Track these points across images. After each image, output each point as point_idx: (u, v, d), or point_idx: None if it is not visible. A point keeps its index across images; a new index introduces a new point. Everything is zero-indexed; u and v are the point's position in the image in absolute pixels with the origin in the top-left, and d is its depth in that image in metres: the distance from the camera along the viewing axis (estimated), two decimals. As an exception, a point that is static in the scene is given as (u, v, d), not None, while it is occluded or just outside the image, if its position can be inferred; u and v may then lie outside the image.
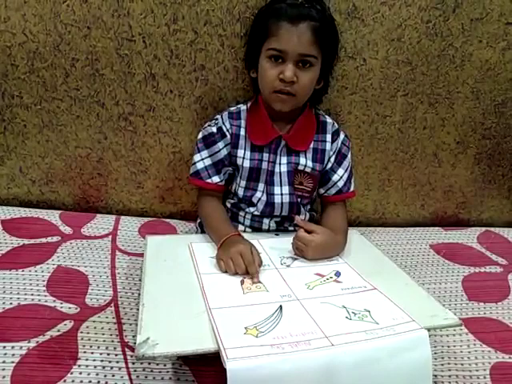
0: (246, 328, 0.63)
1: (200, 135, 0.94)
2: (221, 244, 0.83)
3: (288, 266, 0.83)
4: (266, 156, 0.92)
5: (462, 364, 0.76)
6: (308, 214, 0.97)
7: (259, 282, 0.76)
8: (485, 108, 1.10)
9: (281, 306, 0.69)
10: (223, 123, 0.92)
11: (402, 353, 0.62)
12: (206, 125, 0.94)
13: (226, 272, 0.79)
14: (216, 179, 0.93)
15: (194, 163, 0.93)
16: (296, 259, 0.85)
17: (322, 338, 0.61)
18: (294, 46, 0.81)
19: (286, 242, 0.89)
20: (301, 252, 0.85)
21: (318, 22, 0.83)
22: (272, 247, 0.89)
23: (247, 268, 0.77)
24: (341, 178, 0.95)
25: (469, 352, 0.78)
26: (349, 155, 0.96)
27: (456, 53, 1.03)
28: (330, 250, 0.87)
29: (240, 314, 0.67)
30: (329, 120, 0.96)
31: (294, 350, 0.58)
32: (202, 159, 0.92)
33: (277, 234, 0.95)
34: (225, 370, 0.56)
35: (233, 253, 0.79)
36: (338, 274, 0.80)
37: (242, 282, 0.76)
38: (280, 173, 0.92)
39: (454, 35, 1.01)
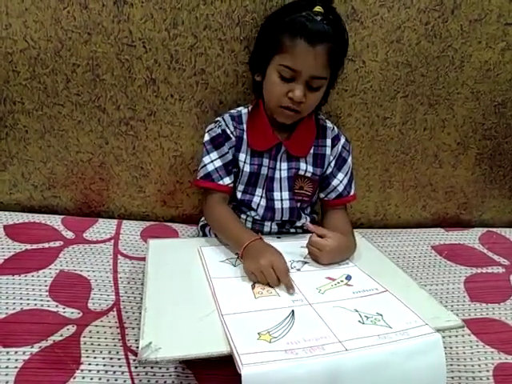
0: (259, 334, 0.62)
1: (207, 137, 0.92)
2: (243, 249, 0.80)
3: (298, 269, 0.82)
4: (265, 161, 0.91)
5: (464, 365, 0.76)
6: (309, 218, 0.96)
7: (270, 286, 0.75)
8: (485, 108, 1.10)
9: (293, 311, 0.68)
10: (226, 125, 0.91)
11: (416, 357, 0.61)
12: (212, 126, 0.93)
13: (258, 282, 0.76)
14: (227, 181, 0.91)
15: (204, 165, 0.91)
16: (306, 263, 0.84)
17: (336, 343, 0.61)
18: (308, 68, 0.80)
19: (295, 245, 0.89)
20: (315, 257, 0.83)
21: (335, 43, 0.81)
22: (281, 251, 0.85)
23: (280, 279, 0.74)
24: (341, 182, 0.95)
25: (471, 353, 0.78)
26: (349, 159, 0.96)
27: (455, 54, 1.03)
28: (344, 252, 0.86)
29: (252, 319, 0.66)
30: (329, 125, 0.95)
31: (308, 355, 0.58)
32: (212, 161, 0.91)
33: (278, 237, 0.95)
34: (233, 374, 0.56)
35: (263, 265, 0.75)
36: (348, 277, 0.80)
37: (253, 287, 0.75)
38: (280, 178, 0.92)
39: (453, 36, 1.02)
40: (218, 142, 0.91)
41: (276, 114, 0.88)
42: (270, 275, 0.74)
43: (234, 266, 0.82)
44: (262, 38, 0.89)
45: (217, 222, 0.92)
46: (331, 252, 0.82)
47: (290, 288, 0.74)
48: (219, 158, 0.91)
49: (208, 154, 0.92)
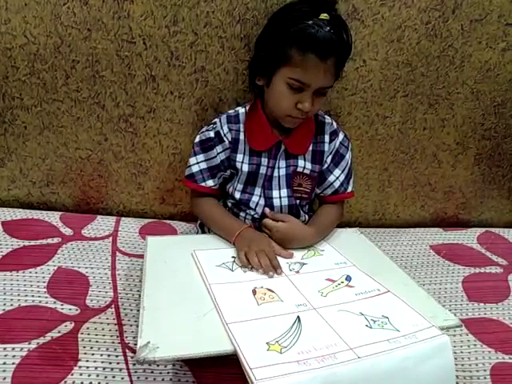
0: (268, 344, 0.61)
1: (197, 139, 0.93)
2: (235, 237, 0.85)
3: (297, 272, 0.81)
4: (264, 161, 0.91)
5: (462, 365, 0.76)
6: (307, 216, 0.96)
7: (271, 291, 0.74)
8: (484, 109, 1.10)
9: (298, 317, 0.67)
10: (221, 127, 0.91)
11: (427, 361, 0.61)
12: (204, 129, 0.94)
13: (248, 265, 0.80)
14: (210, 183, 0.93)
15: (189, 166, 0.94)
16: (304, 264, 0.84)
17: (347, 351, 0.60)
18: (318, 81, 0.80)
19: None
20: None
21: (342, 52, 0.82)
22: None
23: (271, 262, 0.80)
24: (337, 178, 0.95)
25: (469, 353, 0.78)
26: (347, 155, 0.96)
27: (456, 54, 1.03)
28: (294, 239, 0.88)
29: (259, 327, 0.65)
30: (327, 120, 0.95)
31: (321, 365, 0.57)
32: (198, 163, 0.93)
33: None
34: (230, 371, 0.56)
35: (257, 246, 0.82)
36: (348, 278, 0.79)
37: (254, 292, 0.74)
38: (279, 176, 0.92)
39: (454, 36, 1.02)
40: (207, 146, 0.92)
41: (283, 120, 0.88)
42: (262, 255, 0.81)
43: (232, 271, 0.80)
44: (267, 46, 0.85)
45: (204, 214, 0.96)
46: (279, 235, 0.87)
47: (277, 268, 0.80)
48: (205, 160, 0.92)
49: (195, 155, 0.93)
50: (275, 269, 0.80)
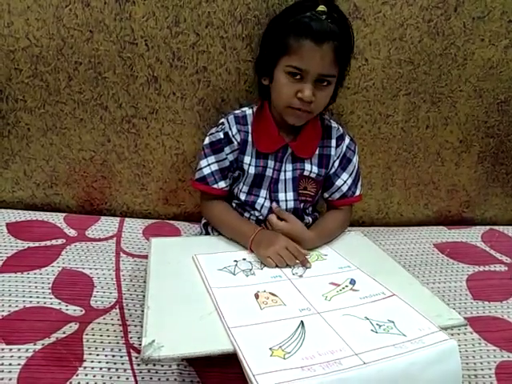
0: (271, 349, 0.60)
1: (207, 140, 0.92)
2: (251, 241, 0.85)
3: (300, 276, 0.80)
4: (271, 163, 0.91)
5: (466, 363, 0.76)
6: (311, 218, 0.96)
7: (274, 295, 0.74)
8: (488, 106, 1.10)
9: (302, 322, 0.66)
10: (230, 128, 0.90)
11: (434, 366, 0.60)
12: (213, 130, 0.93)
13: (276, 267, 0.82)
14: (222, 184, 0.92)
15: (201, 168, 0.92)
16: (307, 268, 0.83)
17: (352, 356, 0.59)
18: (316, 67, 0.80)
19: None
20: None
21: (341, 40, 0.81)
22: None
23: (296, 258, 0.82)
24: (345, 182, 0.95)
25: (474, 351, 0.78)
26: (354, 159, 0.95)
27: (458, 51, 1.03)
28: (294, 241, 0.86)
29: (261, 332, 0.64)
30: (334, 125, 0.95)
31: (326, 371, 0.55)
32: (209, 165, 0.92)
33: None
34: (235, 372, 0.55)
35: (279, 248, 0.83)
36: (352, 281, 0.78)
37: (257, 296, 0.73)
38: (285, 180, 0.92)
39: (456, 34, 1.01)
40: (217, 147, 0.91)
41: (286, 115, 0.87)
42: (287, 255, 0.82)
43: (234, 275, 0.80)
44: (267, 41, 0.88)
45: (216, 218, 0.94)
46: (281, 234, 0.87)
47: (306, 263, 0.82)
48: (216, 162, 0.91)
49: (206, 157, 0.92)
50: (304, 264, 0.82)
